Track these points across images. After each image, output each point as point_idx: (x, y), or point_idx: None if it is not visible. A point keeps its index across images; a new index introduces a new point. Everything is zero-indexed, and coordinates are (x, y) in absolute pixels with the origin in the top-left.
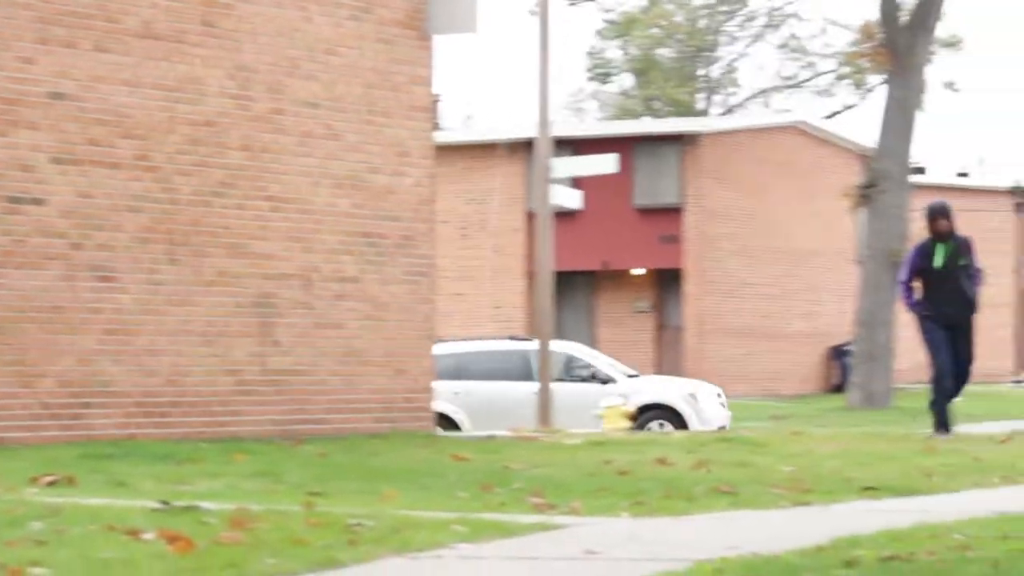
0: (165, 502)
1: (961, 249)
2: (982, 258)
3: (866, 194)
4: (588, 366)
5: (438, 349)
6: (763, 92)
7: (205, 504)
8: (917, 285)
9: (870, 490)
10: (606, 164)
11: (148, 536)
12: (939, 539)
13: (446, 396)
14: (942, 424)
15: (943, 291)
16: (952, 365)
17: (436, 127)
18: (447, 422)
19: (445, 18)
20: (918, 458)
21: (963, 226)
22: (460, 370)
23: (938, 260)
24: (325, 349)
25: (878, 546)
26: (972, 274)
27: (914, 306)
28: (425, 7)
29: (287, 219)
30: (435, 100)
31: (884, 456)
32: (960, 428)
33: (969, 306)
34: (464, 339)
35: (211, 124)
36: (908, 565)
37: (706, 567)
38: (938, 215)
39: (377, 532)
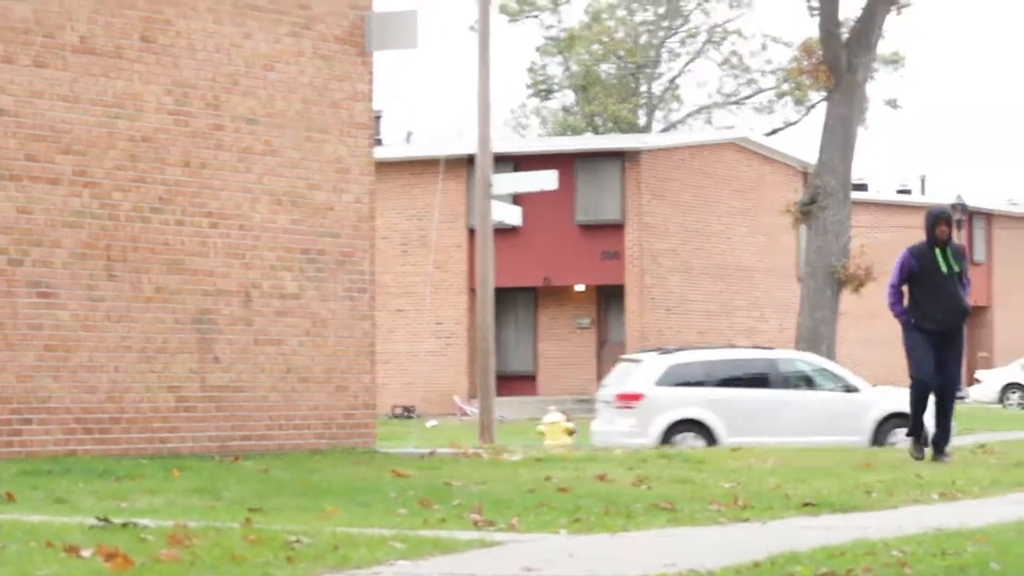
0: (104, 519)
1: (954, 255)
2: None
3: (807, 211)
4: (837, 376)
5: (689, 356)
6: (705, 108)
7: (144, 521)
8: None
9: (809, 506)
10: (546, 180)
11: (86, 553)
12: (876, 556)
13: (700, 403)
14: (917, 438)
15: (938, 298)
16: (937, 377)
17: (376, 143)
18: (701, 429)
19: (385, 34)
20: (857, 474)
21: (905, 243)
22: (709, 378)
23: (932, 265)
24: (265, 366)
25: (815, 563)
26: (965, 282)
27: (901, 314)
28: (364, 24)
29: (226, 235)
30: (375, 116)
31: (823, 472)
32: (904, 444)
33: (962, 314)
34: (705, 347)
35: (150, 140)
36: None
37: None
38: (940, 221)
39: (315, 549)
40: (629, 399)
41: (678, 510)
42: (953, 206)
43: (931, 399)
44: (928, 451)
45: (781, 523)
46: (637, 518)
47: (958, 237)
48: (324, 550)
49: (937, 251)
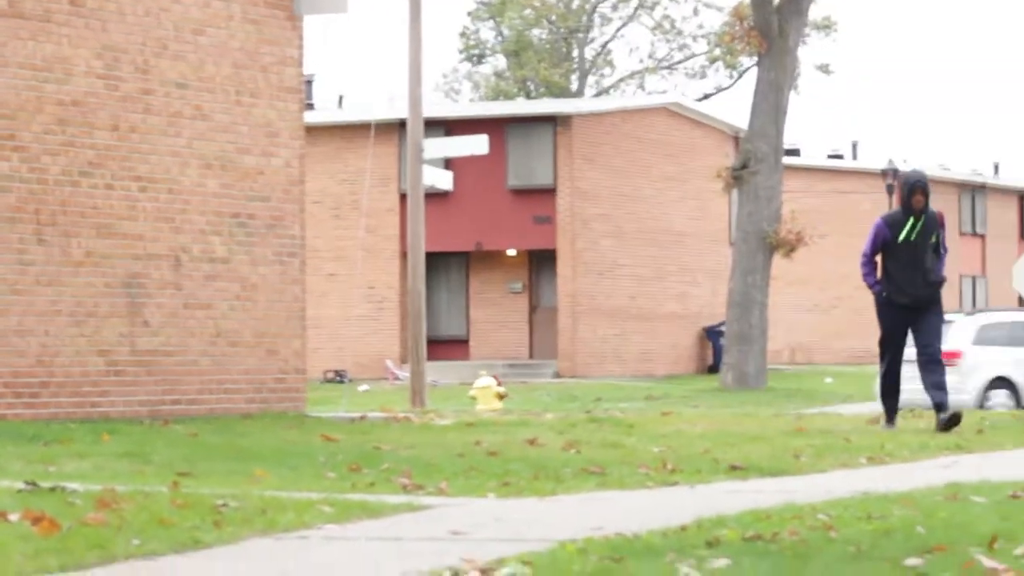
0: (31, 483)
1: (930, 225)
2: (855, 240)
3: (738, 176)
4: None
5: (997, 317)
6: (637, 74)
7: (72, 485)
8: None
9: (737, 470)
10: (477, 145)
11: (13, 517)
12: (803, 519)
13: (1010, 363)
14: (887, 413)
15: (906, 268)
16: (921, 347)
17: (307, 108)
18: (1012, 389)
19: None
20: (787, 438)
21: (837, 208)
22: (1015, 339)
23: (908, 233)
24: (195, 330)
25: (742, 526)
26: (940, 252)
27: (874, 285)
28: None
29: (156, 199)
30: (306, 81)
31: (753, 437)
32: (835, 408)
33: (932, 285)
34: (1009, 309)
35: (79, 104)
36: (771, 545)
37: (570, 547)
38: (917, 190)
39: (243, 513)
40: (950, 356)
41: (607, 474)
42: (884, 171)
43: (911, 373)
44: (930, 420)
45: (709, 487)
46: (566, 482)
47: (889, 202)
48: (252, 514)
49: (911, 220)
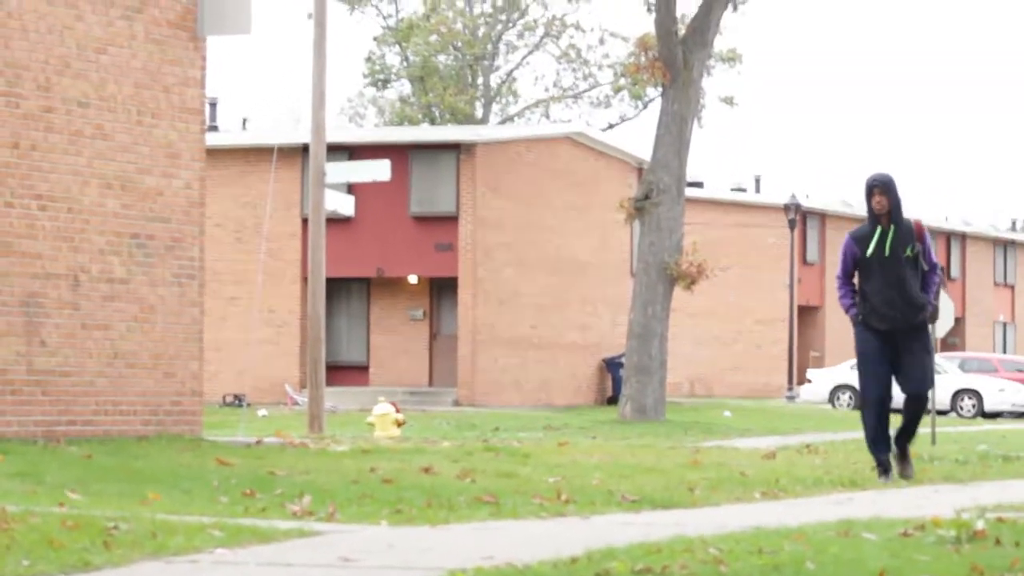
0: None
1: (905, 236)
2: (757, 274)
3: (641, 206)
4: None
5: None
6: (542, 102)
7: None
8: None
9: (630, 502)
10: (379, 171)
11: None
12: (694, 553)
13: None
14: (880, 465)
15: (882, 287)
16: (903, 386)
17: (211, 129)
18: None
19: (218, 19)
20: (682, 471)
21: (739, 241)
22: None
23: (876, 246)
24: (92, 350)
25: (632, 558)
26: (924, 269)
27: (849, 308)
28: (197, 8)
29: (55, 218)
30: (210, 102)
31: (648, 469)
32: (732, 442)
33: (914, 308)
34: None
35: None
36: None
37: None
38: (874, 191)
39: (134, 535)
40: None
41: (501, 503)
42: (787, 206)
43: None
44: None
45: (602, 518)
46: (459, 511)
47: (792, 237)
48: (142, 537)
49: (879, 231)
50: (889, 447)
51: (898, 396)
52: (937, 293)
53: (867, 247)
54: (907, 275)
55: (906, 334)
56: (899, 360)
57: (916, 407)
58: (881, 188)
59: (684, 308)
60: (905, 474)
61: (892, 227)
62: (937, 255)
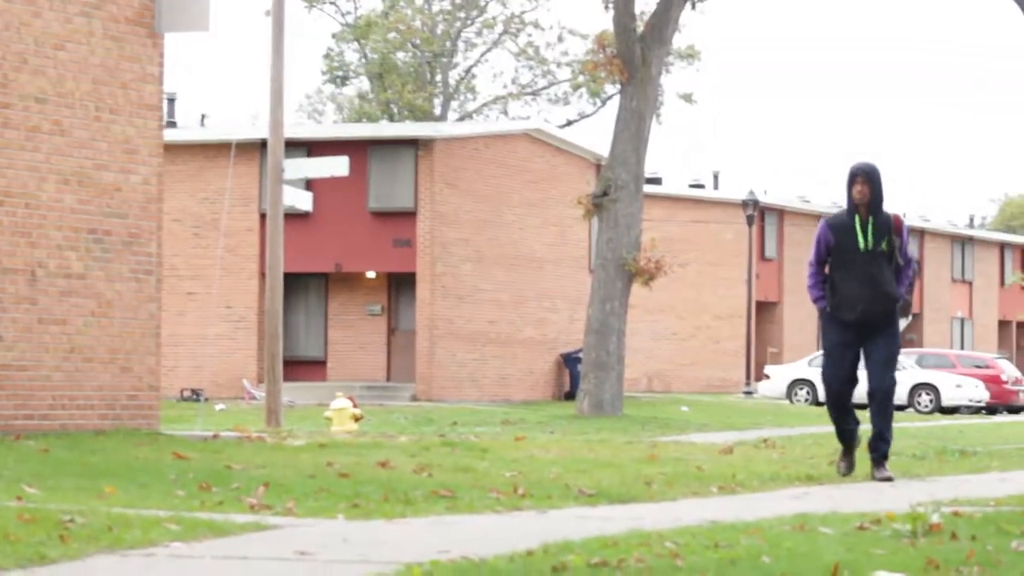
0: None
1: (882, 228)
2: (715, 270)
3: (599, 203)
4: None
5: None
6: (500, 99)
7: None
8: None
9: (587, 496)
10: (337, 166)
11: None
12: (650, 547)
13: None
14: (844, 456)
15: (853, 278)
16: (869, 380)
17: (169, 125)
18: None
19: (176, 16)
20: (639, 466)
21: (697, 237)
22: None
23: (849, 237)
24: (49, 345)
25: (588, 552)
26: (900, 262)
27: (818, 299)
28: (155, 5)
29: (12, 214)
30: (168, 98)
31: (606, 463)
32: (689, 437)
33: (885, 301)
34: None
35: None
36: (616, 572)
37: (415, 570)
38: (856, 179)
39: (90, 529)
40: None
41: (458, 498)
42: (745, 202)
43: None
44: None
45: (559, 512)
46: (416, 505)
47: (750, 233)
48: (98, 530)
49: (857, 221)
50: (854, 437)
51: (862, 392)
52: (910, 288)
53: (844, 238)
54: (881, 268)
55: (874, 327)
56: (867, 352)
57: (880, 403)
58: (865, 177)
59: (642, 304)
60: (882, 477)
61: (870, 218)
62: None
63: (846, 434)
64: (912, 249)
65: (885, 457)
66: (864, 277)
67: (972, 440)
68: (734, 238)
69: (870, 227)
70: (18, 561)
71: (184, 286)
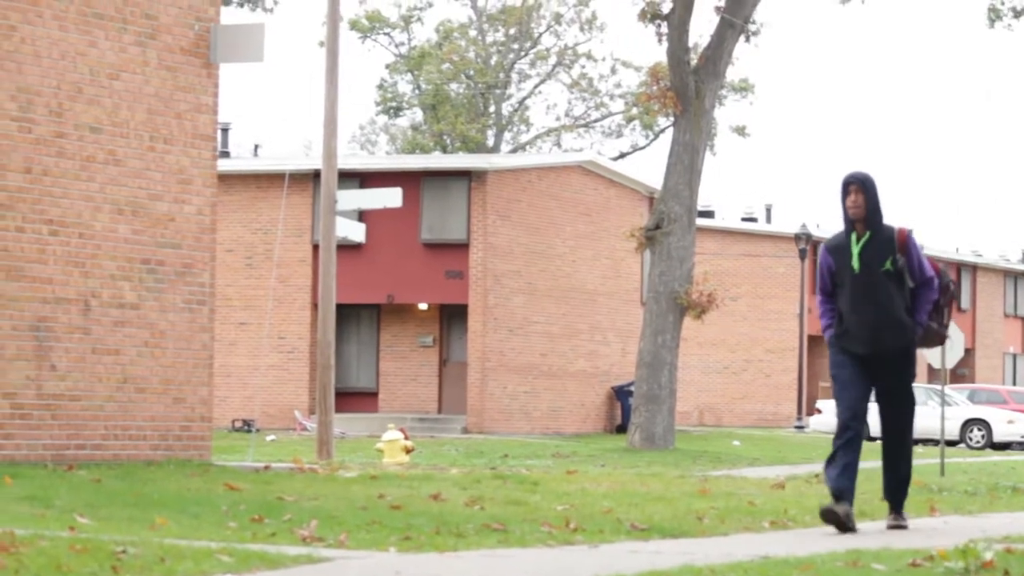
0: None
1: (883, 246)
2: (767, 303)
3: (651, 236)
4: None
5: None
6: (553, 131)
7: None
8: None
9: (639, 531)
10: (391, 198)
11: None
12: None
13: None
14: (835, 494)
15: (857, 305)
16: (882, 422)
17: (223, 155)
18: None
19: (231, 47)
20: (691, 500)
21: (749, 271)
22: None
23: (843, 258)
24: (102, 375)
25: None
26: (914, 284)
27: (825, 329)
28: (210, 35)
29: (66, 243)
30: (222, 128)
31: (657, 497)
32: (741, 472)
33: (895, 330)
34: None
35: None
36: None
37: None
38: (850, 190)
39: (142, 560)
40: None
41: (509, 531)
42: (797, 235)
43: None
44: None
45: (610, 547)
46: (468, 538)
47: (802, 266)
48: (151, 561)
49: (853, 237)
50: (849, 479)
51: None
52: (938, 312)
53: (843, 260)
54: (886, 291)
55: (887, 361)
56: (877, 392)
57: (900, 450)
58: (858, 186)
59: (694, 337)
60: (894, 524)
61: (868, 234)
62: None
63: (844, 474)
64: (929, 267)
65: (902, 505)
66: (866, 304)
67: None
68: (786, 272)
69: (867, 245)
70: None
71: (236, 316)
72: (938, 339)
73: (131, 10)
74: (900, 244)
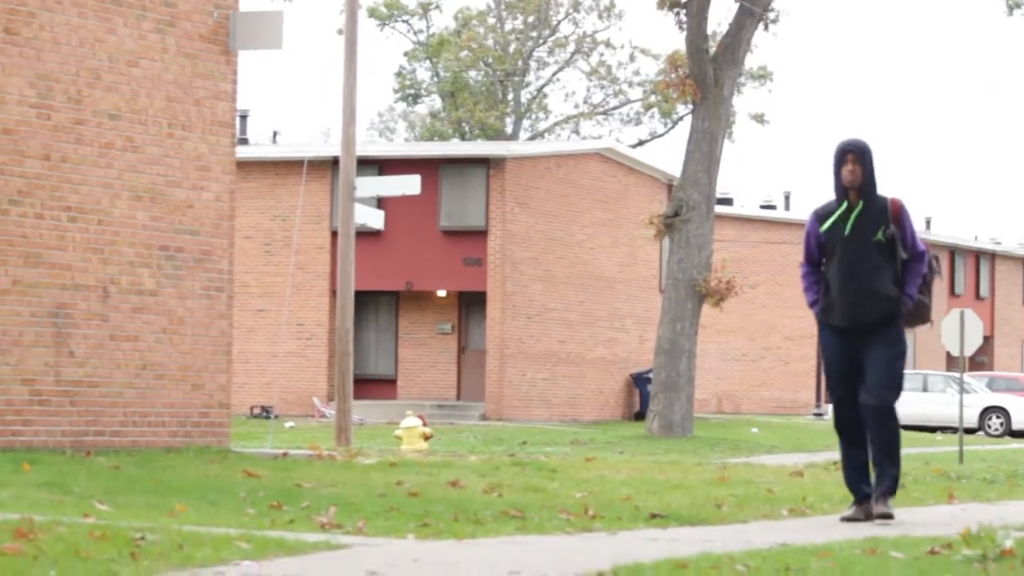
0: None
1: (875, 215)
2: (785, 291)
3: (670, 223)
4: None
5: None
6: (572, 118)
7: None
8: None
9: (657, 518)
10: (409, 185)
11: None
12: (720, 569)
13: None
14: (853, 493)
15: (842, 276)
16: (861, 396)
17: (241, 143)
18: None
19: (250, 34)
20: (709, 488)
21: (768, 258)
22: None
23: (833, 225)
24: (120, 362)
25: (659, 574)
26: (903, 257)
27: (812, 303)
28: (229, 22)
29: (85, 230)
30: (241, 116)
31: (676, 485)
32: (759, 459)
33: (879, 301)
34: None
35: (10, 132)
36: None
37: None
38: (846, 157)
39: (161, 547)
40: None
41: (527, 518)
42: None
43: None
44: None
45: (629, 534)
46: (486, 525)
47: None
48: (169, 548)
49: (844, 207)
50: (864, 475)
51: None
52: (924, 287)
53: (833, 228)
54: (874, 261)
55: (870, 333)
56: (864, 362)
57: (877, 423)
58: (856, 155)
59: (712, 324)
60: (879, 514)
61: (861, 204)
62: (966, 272)
63: (854, 472)
64: (921, 241)
65: (891, 491)
66: (853, 273)
67: None
68: None
69: (860, 214)
70: None
71: (255, 303)
72: (925, 314)
73: None
74: (894, 214)
